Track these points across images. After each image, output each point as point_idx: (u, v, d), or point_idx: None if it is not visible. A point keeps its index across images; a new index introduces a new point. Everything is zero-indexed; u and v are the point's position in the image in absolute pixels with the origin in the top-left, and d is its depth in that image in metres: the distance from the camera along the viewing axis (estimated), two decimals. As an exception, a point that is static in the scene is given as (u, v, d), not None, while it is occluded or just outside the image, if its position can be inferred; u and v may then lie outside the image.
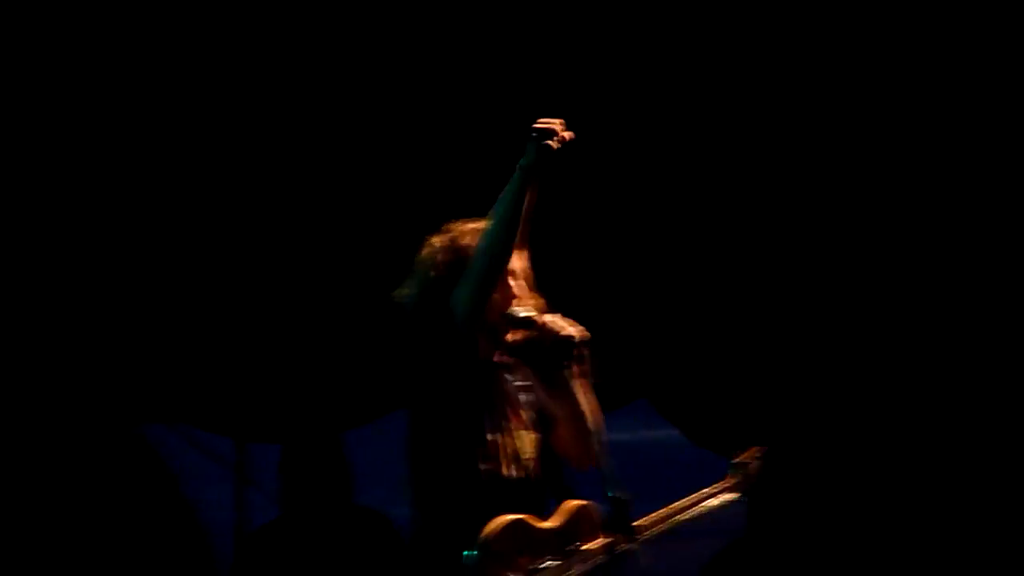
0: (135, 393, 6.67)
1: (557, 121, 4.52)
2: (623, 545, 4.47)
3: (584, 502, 4.75)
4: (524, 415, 4.76)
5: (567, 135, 4.53)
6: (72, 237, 6.67)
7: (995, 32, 6.60)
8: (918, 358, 6.73)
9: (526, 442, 4.73)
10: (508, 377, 4.78)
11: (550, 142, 4.51)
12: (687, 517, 4.85)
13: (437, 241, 4.79)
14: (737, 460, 5.01)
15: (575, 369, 4.60)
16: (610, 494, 4.35)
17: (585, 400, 4.58)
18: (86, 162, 6.68)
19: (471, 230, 4.77)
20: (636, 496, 4.44)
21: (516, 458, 4.69)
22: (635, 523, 4.48)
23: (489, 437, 4.65)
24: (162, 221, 6.75)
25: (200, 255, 6.78)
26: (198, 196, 6.77)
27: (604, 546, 4.60)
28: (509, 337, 4.74)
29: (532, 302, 4.74)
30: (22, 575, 5.92)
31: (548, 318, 4.65)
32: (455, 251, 4.74)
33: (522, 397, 4.79)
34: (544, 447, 4.77)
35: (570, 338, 4.58)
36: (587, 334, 4.62)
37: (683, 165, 6.78)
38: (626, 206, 6.79)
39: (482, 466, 4.62)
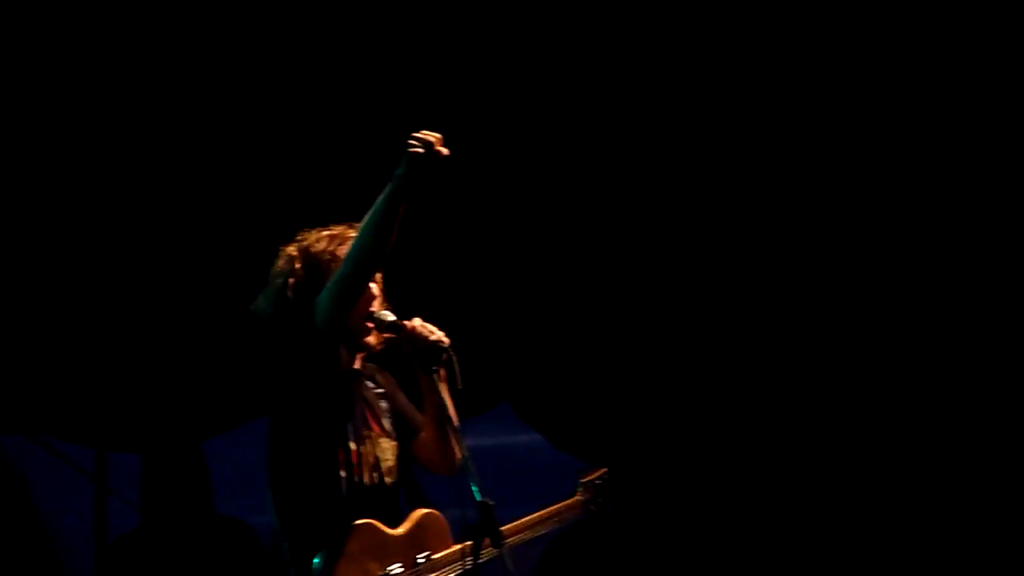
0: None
1: (433, 135, 4.54)
2: (485, 552, 4.51)
3: (432, 511, 4.80)
4: (384, 422, 4.80)
5: (442, 150, 4.54)
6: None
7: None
8: (791, 351, 6.81)
9: (386, 449, 4.76)
10: (368, 384, 4.81)
11: (419, 150, 4.52)
12: (543, 530, 4.95)
13: (292, 250, 4.82)
14: (585, 480, 5.13)
15: (442, 374, 4.64)
16: (478, 499, 4.38)
17: (451, 405, 4.62)
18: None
19: (325, 237, 4.81)
20: (498, 501, 4.49)
21: (376, 466, 4.72)
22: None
23: (351, 445, 4.67)
24: (19, 224, 6.65)
25: (59, 261, 6.69)
26: (57, 200, 6.68)
27: (462, 552, 4.66)
28: (373, 340, 4.77)
29: (387, 307, 4.79)
30: None
31: (415, 322, 4.69)
32: (309, 257, 4.77)
33: (382, 404, 4.82)
34: (402, 454, 4.81)
35: (439, 343, 4.62)
36: (448, 340, 4.67)
37: (532, 169, 6.82)
38: (487, 209, 6.81)
39: (342, 473, 4.64)
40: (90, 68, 6.57)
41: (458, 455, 4.50)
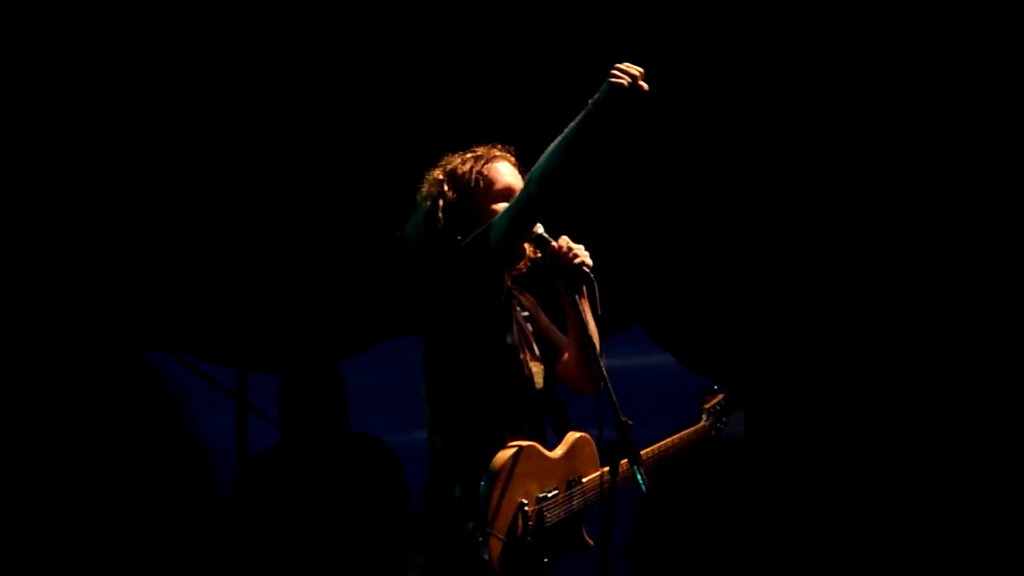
0: (137, 321, 6.71)
1: (637, 68, 4.43)
2: (622, 475, 4.54)
3: (585, 434, 4.82)
4: (533, 345, 4.81)
5: (642, 84, 4.43)
6: (76, 164, 6.66)
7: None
8: (913, 308, 6.74)
9: (536, 373, 4.78)
10: (518, 307, 4.82)
11: (621, 81, 4.42)
12: (673, 453, 4.96)
13: (438, 173, 4.80)
14: (708, 405, 5.13)
15: (584, 295, 4.64)
16: (620, 419, 4.42)
17: (592, 326, 4.63)
18: (90, 93, 6.67)
19: (470, 158, 4.79)
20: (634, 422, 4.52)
21: (528, 388, 4.73)
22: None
23: (506, 367, 4.68)
24: (165, 150, 6.75)
25: (200, 187, 6.80)
26: (198, 129, 6.78)
27: (603, 477, 4.68)
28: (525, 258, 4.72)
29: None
30: (25, 503, 5.91)
31: (563, 240, 4.66)
32: (457, 179, 4.75)
33: (528, 327, 4.83)
34: (547, 377, 4.82)
35: (583, 266, 4.61)
36: (591, 263, 4.66)
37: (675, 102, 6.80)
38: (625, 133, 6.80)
39: (496, 394, 4.66)
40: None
41: (598, 375, 4.51)
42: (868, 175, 6.71)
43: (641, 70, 4.42)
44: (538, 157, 4.51)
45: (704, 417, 5.14)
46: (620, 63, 4.44)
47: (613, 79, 4.41)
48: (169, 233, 6.80)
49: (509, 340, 4.69)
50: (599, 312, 4.63)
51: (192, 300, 6.82)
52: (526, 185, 4.54)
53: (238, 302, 6.87)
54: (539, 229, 4.68)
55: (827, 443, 6.74)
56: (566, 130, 4.46)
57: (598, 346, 4.61)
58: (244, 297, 6.87)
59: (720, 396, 5.19)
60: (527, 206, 4.53)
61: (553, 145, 4.48)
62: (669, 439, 5.00)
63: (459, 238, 4.67)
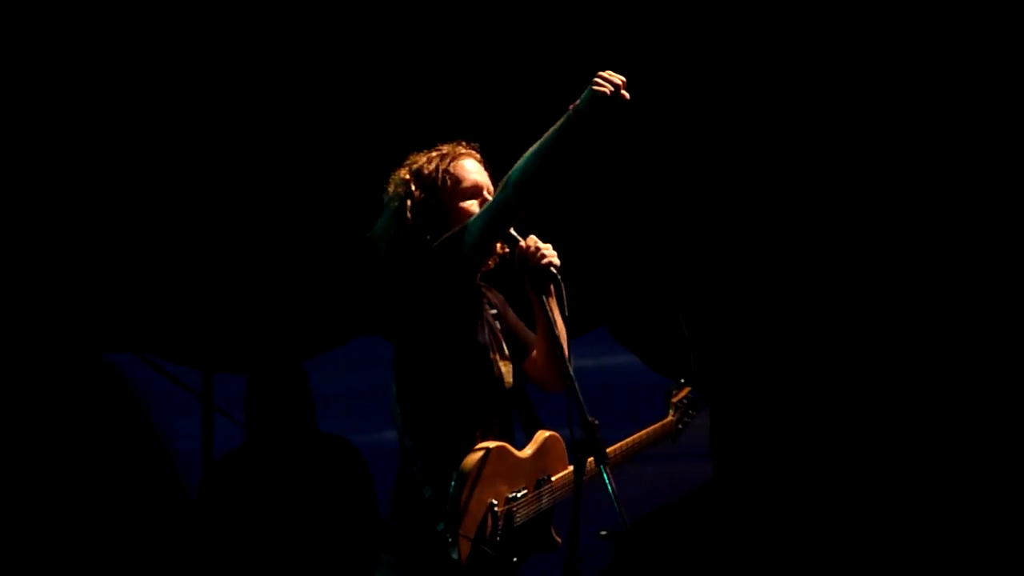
0: (102, 322, 6.71)
1: (619, 77, 4.41)
2: (588, 472, 4.55)
3: (553, 433, 4.83)
4: (502, 343, 4.82)
5: (624, 94, 4.41)
6: (42, 164, 6.64)
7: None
8: (870, 297, 6.78)
9: (505, 372, 4.79)
10: (487, 305, 4.84)
11: (604, 89, 4.40)
12: (638, 451, 4.96)
13: (404, 173, 4.79)
14: (675, 399, 5.15)
15: (553, 294, 4.67)
16: (587, 418, 4.41)
17: (560, 325, 4.65)
18: (64, 98, 6.68)
19: (435, 156, 4.78)
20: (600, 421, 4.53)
21: (499, 387, 4.75)
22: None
23: (476, 367, 4.69)
24: (132, 152, 6.74)
25: (169, 186, 6.79)
26: (162, 132, 6.77)
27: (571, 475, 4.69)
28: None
29: None
30: None
31: (531, 240, 4.67)
32: (423, 178, 4.74)
33: (497, 324, 4.85)
34: (516, 375, 4.83)
35: (550, 266, 4.61)
36: (558, 263, 4.68)
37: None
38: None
39: (467, 394, 4.67)
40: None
41: (566, 373, 4.50)
42: (837, 170, 6.74)
43: (624, 79, 4.41)
44: (511, 157, 4.54)
45: (671, 411, 5.14)
46: (603, 71, 4.43)
47: (596, 87, 4.40)
48: (136, 234, 6.79)
49: (480, 339, 4.69)
50: (566, 313, 4.64)
51: (158, 301, 6.80)
52: (503, 188, 4.53)
53: (204, 303, 6.85)
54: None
55: (795, 443, 6.79)
56: (546, 135, 4.46)
57: (566, 345, 4.63)
58: (210, 298, 6.86)
59: (687, 390, 5.19)
60: (503, 208, 4.53)
61: (532, 149, 4.49)
62: (636, 435, 5.01)
63: (429, 238, 4.69)
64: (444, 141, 4.87)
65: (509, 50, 6.71)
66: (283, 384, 6.45)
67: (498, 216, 4.54)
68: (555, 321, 4.65)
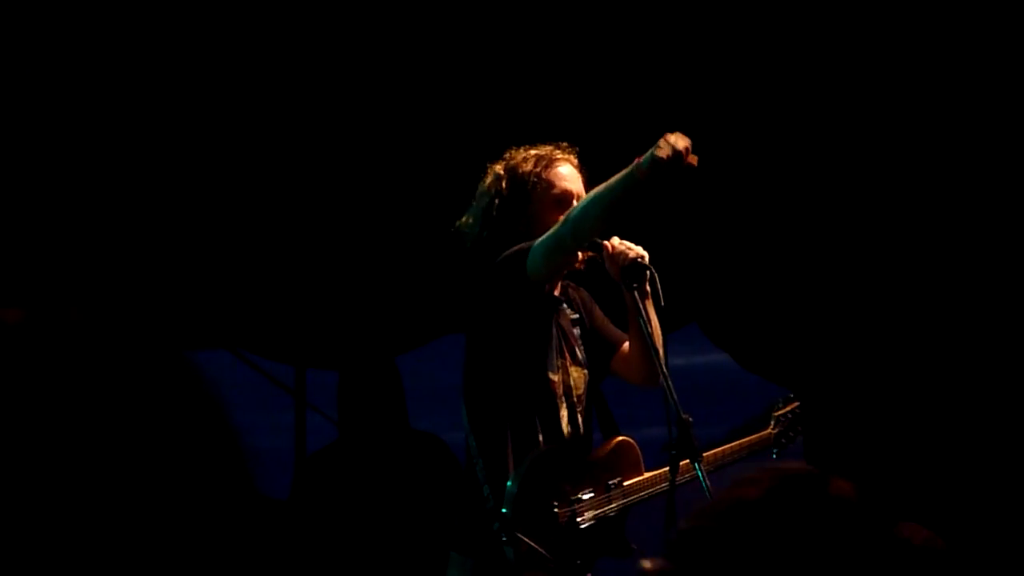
0: (197, 319, 6.77)
1: (684, 141, 4.40)
2: (684, 474, 4.51)
3: (627, 439, 4.81)
4: (577, 350, 4.80)
5: (691, 159, 4.42)
6: (134, 161, 6.70)
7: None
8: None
9: (576, 379, 4.77)
10: (565, 309, 4.82)
11: (665, 155, 4.39)
12: (734, 460, 4.90)
13: (499, 168, 4.79)
14: (778, 412, 5.06)
15: (645, 290, 4.64)
16: (681, 416, 4.38)
17: (654, 320, 4.62)
18: (150, 90, 6.72)
19: (532, 157, 4.77)
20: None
21: (568, 394, 4.73)
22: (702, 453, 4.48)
23: (549, 375, 4.68)
24: (223, 150, 6.79)
25: (262, 189, 6.84)
26: (257, 136, 6.80)
27: (653, 479, 4.67)
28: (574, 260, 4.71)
29: None
30: (69, 504, 5.94)
31: (615, 240, 4.65)
32: (515, 177, 4.74)
33: (575, 331, 4.83)
34: (591, 382, 4.82)
35: (639, 259, 4.60)
36: (647, 256, 4.63)
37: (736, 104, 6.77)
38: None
39: (527, 400, 4.66)
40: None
41: (660, 369, 4.49)
42: (924, 183, 6.67)
43: (688, 143, 4.39)
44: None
45: (772, 424, 5.05)
46: (671, 133, 4.41)
47: (658, 152, 4.38)
48: (231, 231, 6.85)
49: (547, 347, 4.69)
50: (662, 303, 4.61)
51: (252, 298, 6.86)
52: (563, 223, 4.53)
53: (297, 299, 6.90)
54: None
55: (882, 443, 6.71)
56: (610, 182, 4.46)
57: (661, 342, 4.61)
58: (303, 294, 6.90)
59: (794, 405, 5.07)
60: (560, 245, 4.55)
61: (593, 194, 4.50)
62: (733, 443, 4.93)
63: (503, 247, 4.68)
64: (533, 140, 4.86)
65: (543, 48, 6.68)
66: (375, 380, 6.47)
67: (556, 251, 4.56)
68: (649, 319, 4.62)
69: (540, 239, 4.60)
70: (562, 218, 4.56)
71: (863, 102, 6.69)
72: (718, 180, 6.74)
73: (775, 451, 5.02)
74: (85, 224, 6.64)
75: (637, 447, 4.77)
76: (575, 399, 4.74)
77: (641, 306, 4.61)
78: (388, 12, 6.64)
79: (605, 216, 4.48)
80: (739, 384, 6.94)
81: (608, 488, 4.69)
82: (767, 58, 6.69)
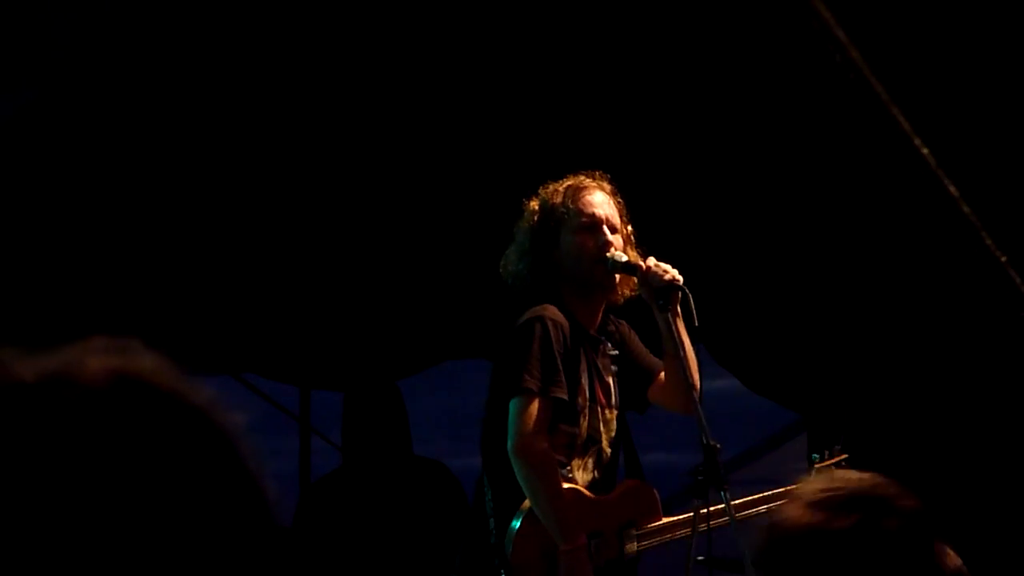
0: (200, 343, 6.75)
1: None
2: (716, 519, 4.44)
3: (645, 484, 4.76)
4: (611, 392, 4.76)
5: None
6: (138, 186, 6.68)
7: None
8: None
9: (608, 420, 4.73)
10: (605, 346, 4.79)
11: None
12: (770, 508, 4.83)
13: (534, 203, 4.82)
14: (820, 465, 4.97)
15: (677, 311, 4.61)
16: (708, 441, 4.33)
17: (687, 342, 4.60)
18: (150, 114, 6.69)
19: (561, 190, 4.79)
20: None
21: (595, 437, 4.69)
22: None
23: (576, 422, 4.66)
24: (226, 172, 6.76)
25: (265, 211, 6.82)
26: (264, 155, 6.78)
27: (674, 524, 4.63)
28: (614, 291, 4.73)
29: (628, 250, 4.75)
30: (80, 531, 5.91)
31: (651, 262, 4.65)
32: (546, 210, 4.76)
33: (612, 368, 4.79)
34: (621, 424, 4.78)
35: (674, 281, 4.59)
36: (681, 278, 4.62)
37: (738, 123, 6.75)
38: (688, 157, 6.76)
39: (554, 443, 4.61)
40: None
41: (694, 395, 4.47)
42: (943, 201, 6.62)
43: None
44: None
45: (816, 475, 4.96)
46: None
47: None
48: (234, 256, 6.83)
49: (579, 390, 4.66)
50: (696, 323, 4.59)
51: (258, 320, 6.84)
52: (523, 467, 4.53)
53: (302, 321, 6.88)
54: (623, 257, 4.69)
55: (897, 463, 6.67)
56: (548, 517, 4.53)
57: (694, 363, 4.59)
58: (307, 316, 6.89)
59: (842, 457, 5.00)
60: (513, 465, 4.57)
61: (544, 497, 4.53)
62: (768, 493, 4.83)
63: (540, 279, 4.70)
64: (560, 173, 4.87)
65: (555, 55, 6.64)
66: (379, 402, 6.45)
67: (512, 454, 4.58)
68: (682, 342, 4.59)
69: (514, 421, 4.57)
70: (529, 463, 4.54)
71: (871, 134, 6.66)
72: (726, 204, 6.74)
73: None
74: (87, 250, 6.61)
75: (655, 492, 4.73)
76: (603, 442, 4.71)
77: (674, 327, 4.57)
78: (415, 47, 6.61)
79: (534, 503, 4.52)
80: (748, 408, 6.91)
81: (620, 531, 4.65)
82: (778, 90, 6.67)
